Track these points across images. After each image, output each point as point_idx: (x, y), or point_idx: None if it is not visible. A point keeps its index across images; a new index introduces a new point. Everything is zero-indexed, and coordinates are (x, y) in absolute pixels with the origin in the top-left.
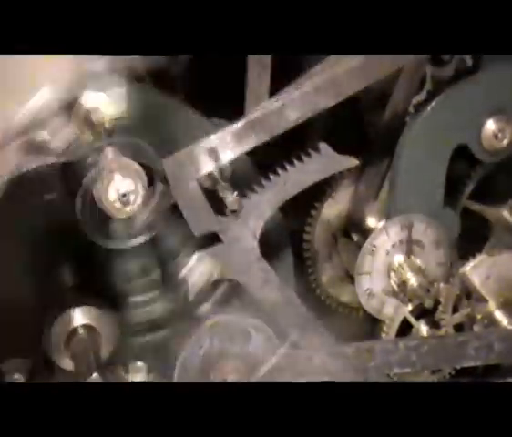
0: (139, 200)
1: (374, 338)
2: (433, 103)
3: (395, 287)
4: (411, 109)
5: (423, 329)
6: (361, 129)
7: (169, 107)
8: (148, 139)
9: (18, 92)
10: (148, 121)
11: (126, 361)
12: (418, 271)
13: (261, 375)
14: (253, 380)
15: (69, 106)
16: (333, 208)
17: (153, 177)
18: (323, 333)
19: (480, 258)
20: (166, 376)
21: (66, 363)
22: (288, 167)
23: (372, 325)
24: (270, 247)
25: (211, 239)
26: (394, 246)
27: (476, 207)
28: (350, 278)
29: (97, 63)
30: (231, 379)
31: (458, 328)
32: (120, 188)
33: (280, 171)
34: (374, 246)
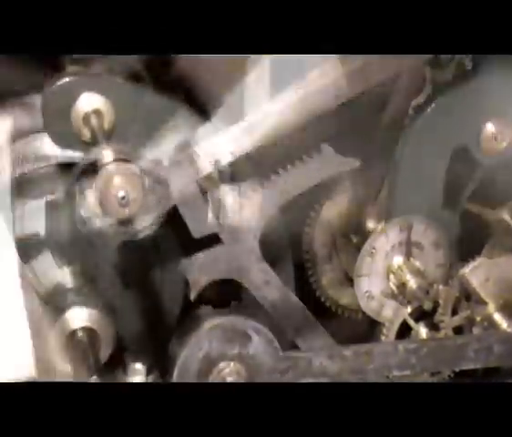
0: (138, 203)
1: (374, 340)
2: (432, 105)
3: (395, 289)
4: (410, 112)
5: (422, 331)
6: (361, 131)
7: (169, 108)
8: (147, 141)
9: None
10: (147, 122)
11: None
12: (417, 273)
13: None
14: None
15: None
16: (333, 210)
17: (152, 179)
18: (323, 335)
19: (480, 260)
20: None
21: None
22: (289, 167)
23: (371, 327)
24: (270, 247)
25: (211, 240)
26: (393, 248)
27: (475, 208)
28: (349, 280)
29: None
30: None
31: (458, 330)
32: (119, 190)
33: (280, 171)
34: (374, 248)
